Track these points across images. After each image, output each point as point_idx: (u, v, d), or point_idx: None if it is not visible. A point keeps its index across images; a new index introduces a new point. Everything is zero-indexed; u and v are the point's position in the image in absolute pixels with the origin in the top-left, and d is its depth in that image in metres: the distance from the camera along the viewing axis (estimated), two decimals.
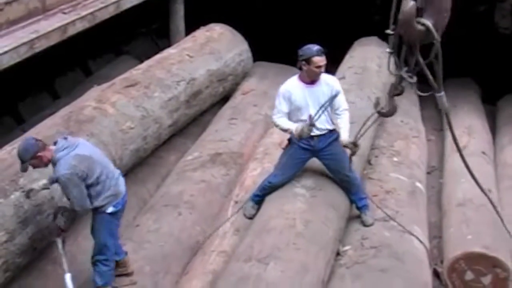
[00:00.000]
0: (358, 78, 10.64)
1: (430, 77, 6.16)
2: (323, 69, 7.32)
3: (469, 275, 7.82)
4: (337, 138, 7.59)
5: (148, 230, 7.86)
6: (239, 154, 9.55)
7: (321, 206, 7.50)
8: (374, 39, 12.31)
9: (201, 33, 11.69)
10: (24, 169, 6.33)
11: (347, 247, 7.52)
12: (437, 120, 12.29)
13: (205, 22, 12.14)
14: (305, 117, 7.33)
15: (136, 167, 9.03)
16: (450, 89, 13.20)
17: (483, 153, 10.33)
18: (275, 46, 13.64)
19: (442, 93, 6.29)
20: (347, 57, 12.07)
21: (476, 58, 14.49)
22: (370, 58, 11.57)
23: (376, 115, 7.04)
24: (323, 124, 7.47)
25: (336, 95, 7.36)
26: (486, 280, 7.75)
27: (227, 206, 8.43)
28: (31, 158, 6.24)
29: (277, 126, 7.62)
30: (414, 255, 7.40)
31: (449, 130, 7.05)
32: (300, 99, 7.40)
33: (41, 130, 7.79)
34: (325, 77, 7.46)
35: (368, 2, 14.74)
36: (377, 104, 6.95)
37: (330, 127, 7.58)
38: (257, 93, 11.39)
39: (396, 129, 10.06)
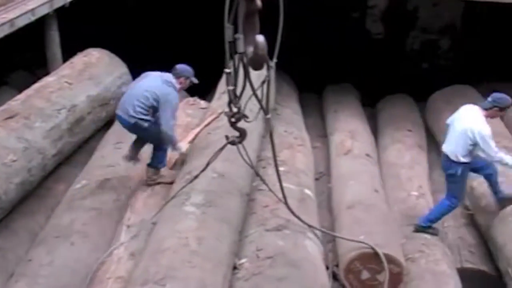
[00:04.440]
0: None
1: (260, 102, 7.10)
2: None
3: (365, 274, 8.03)
4: None
5: (41, 264, 7.65)
6: (128, 177, 9.45)
7: (212, 222, 7.51)
8: None
9: (79, 59, 11.53)
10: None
11: (243, 260, 7.54)
12: (321, 127, 12.53)
13: (82, 48, 11.98)
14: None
15: (24, 200, 8.82)
16: (331, 95, 13.56)
17: (367, 155, 10.62)
18: (155, 67, 13.61)
19: (269, 115, 7.24)
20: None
21: (353, 64, 14.92)
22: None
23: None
24: None
25: None
26: (382, 277, 7.96)
27: (120, 230, 8.33)
28: None
29: (506, 160, 8.24)
30: (309, 261, 7.51)
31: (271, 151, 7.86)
32: None
33: None
34: None
35: None
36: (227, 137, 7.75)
37: None
38: None
39: (280, 139, 10.11)
